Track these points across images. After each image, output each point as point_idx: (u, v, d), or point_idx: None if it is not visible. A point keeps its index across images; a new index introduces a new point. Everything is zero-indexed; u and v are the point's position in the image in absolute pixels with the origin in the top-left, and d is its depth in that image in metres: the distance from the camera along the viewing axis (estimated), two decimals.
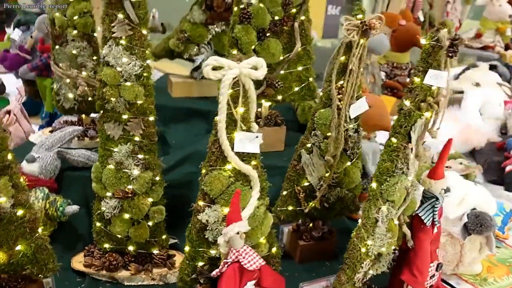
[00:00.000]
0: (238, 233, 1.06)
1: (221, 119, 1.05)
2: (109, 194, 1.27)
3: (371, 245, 1.06)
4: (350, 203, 1.42)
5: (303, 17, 1.61)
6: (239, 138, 1.09)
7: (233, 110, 1.05)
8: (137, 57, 1.18)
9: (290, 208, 1.38)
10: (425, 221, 1.12)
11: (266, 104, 1.72)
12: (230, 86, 1.02)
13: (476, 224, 1.30)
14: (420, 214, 1.12)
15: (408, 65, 3.13)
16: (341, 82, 1.26)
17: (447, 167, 2.11)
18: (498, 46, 3.93)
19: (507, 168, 2.16)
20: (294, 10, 1.59)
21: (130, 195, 1.25)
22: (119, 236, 1.31)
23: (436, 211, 1.12)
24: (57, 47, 1.56)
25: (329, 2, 5.20)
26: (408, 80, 3.17)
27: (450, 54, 0.98)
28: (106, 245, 1.33)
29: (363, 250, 1.06)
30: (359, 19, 1.23)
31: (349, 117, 1.29)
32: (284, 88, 1.67)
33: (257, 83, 1.64)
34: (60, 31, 1.52)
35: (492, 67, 3.51)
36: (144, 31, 1.19)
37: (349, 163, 1.36)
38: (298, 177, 1.36)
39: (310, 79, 1.71)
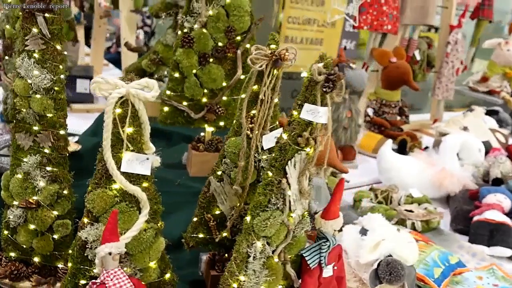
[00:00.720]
0: (110, 254, 1.04)
1: (105, 137, 1.05)
2: (15, 203, 1.29)
3: (244, 281, 1.01)
4: None
5: (248, 45, 1.61)
6: (127, 158, 1.08)
7: (120, 129, 1.06)
8: (48, 71, 1.21)
9: (200, 235, 1.36)
10: (308, 262, 1.06)
11: (208, 129, 1.71)
12: (114, 104, 1.03)
13: (385, 272, 1.23)
14: (304, 255, 1.07)
15: (398, 103, 3.08)
16: (254, 111, 1.25)
17: (409, 211, 2.03)
18: (505, 91, 3.81)
19: (474, 218, 2.05)
20: (238, 38, 1.60)
21: (34, 206, 1.26)
22: (24, 246, 1.31)
23: (324, 253, 1.07)
24: (6, 57, 1.62)
25: (344, 36, 5.23)
26: (398, 118, 3.11)
27: (325, 89, 0.95)
28: (12, 254, 1.34)
29: (235, 285, 1.02)
30: (272, 49, 1.22)
31: (262, 148, 1.27)
32: (227, 115, 1.67)
33: (199, 108, 1.65)
34: (9, 42, 1.59)
35: (493, 113, 3.39)
36: (58, 46, 1.21)
37: None
38: (209, 205, 1.34)
39: None
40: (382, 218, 1.47)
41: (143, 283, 1.14)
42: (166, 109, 1.61)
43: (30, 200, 1.26)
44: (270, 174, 1.01)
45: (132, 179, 1.10)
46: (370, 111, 3.03)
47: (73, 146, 1.77)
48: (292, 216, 1.04)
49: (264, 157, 1.29)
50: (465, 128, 2.80)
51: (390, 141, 2.54)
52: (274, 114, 1.27)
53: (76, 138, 1.91)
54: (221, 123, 1.67)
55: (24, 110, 1.22)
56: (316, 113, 0.96)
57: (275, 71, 1.23)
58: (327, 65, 0.96)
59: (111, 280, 1.02)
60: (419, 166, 2.39)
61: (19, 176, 1.27)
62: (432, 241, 1.79)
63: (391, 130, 3.09)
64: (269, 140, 1.28)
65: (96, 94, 1.03)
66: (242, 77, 1.64)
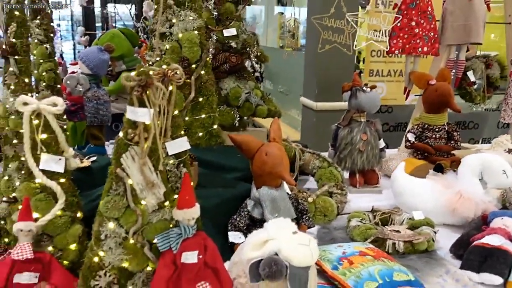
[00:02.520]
0: (22, 230, 1.36)
1: (24, 141, 1.39)
2: (4, 198, 1.70)
3: (103, 256, 1.22)
4: None
5: (202, 72, 1.85)
6: (44, 159, 1.41)
7: (36, 136, 1.39)
8: None
9: None
10: (158, 245, 1.21)
11: None
12: (28, 117, 1.37)
13: (264, 266, 1.29)
14: (155, 239, 1.22)
15: (443, 127, 2.90)
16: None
17: (396, 231, 1.97)
18: None
19: (473, 244, 1.87)
20: (193, 66, 1.85)
21: (13, 200, 1.66)
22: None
23: (172, 239, 1.21)
24: None
25: None
26: (443, 141, 2.91)
27: (135, 93, 1.13)
28: (6, 239, 1.75)
29: (96, 259, 1.22)
30: (163, 69, 1.43)
31: (167, 153, 1.47)
32: (190, 133, 1.91)
33: None
34: None
35: None
36: (26, 79, 1.63)
37: (176, 196, 1.51)
38: None
39: (214, 126, 1.90)
40: (285, 221, 1.49)
41: (61, 260, 1.42)
42: None
43: (10, 196, 1.66)
44: (111, 166, 1.22)
45: (50, 175, 1.41)
46: (410, 136, 2.91)
47: None
48: (142, 203, 1.21)
49: (171, 161, 1.49)
50: (510, 151, 2.50)
51: (402, 164, 2.43)
52: (176, 125, 1.47)
53: None
54: None
55: (6, 128, 1.65)
56: (136, 114, 1.15)
57: (170, 87, 1.44)
58: (140, 73, 1.15)
59: (15, 249, 1.33)
60: (434, 190, 2.24)
61: (5, 178, 1.69)
62: (393, 260, 1.70)
63: (436, 155, 2.90)
64: (174, 147, 1.48)
65: (18, 109, 1.38)
66: (201, 99, 1.87)
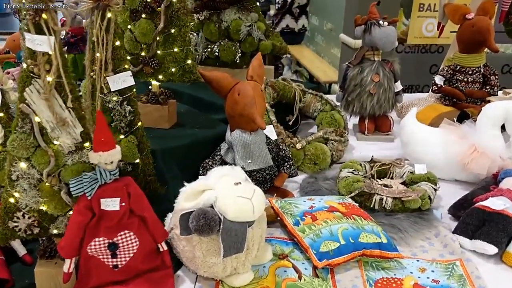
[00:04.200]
0: None
1: None
2: None
3: (18, 197, 1.14)
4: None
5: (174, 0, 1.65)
6: None
7: None
8: None
9: None
10: (71, 190, 1.11)
11: (154, 82, 1.82)
12: None
13: (194, 219, 1.16)
14: (69, 182, 1.12)
15: (478, 69, 2.51)
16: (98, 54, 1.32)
17: (388, 186, 1.76)
18: None
19: (473, 206, 1.62)
20: None
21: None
22: None
23: (85, 183, 1.10)
24: None
25: None
26: (477, 86, 2.54)
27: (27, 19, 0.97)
28: None
29: (11, 200, 1.15)
30: None
31: (109, 89, 1.33)
32: (163, 68, 1.75)
33: (136, 61, 1.78)
34: None
35: None
36: None
37: (122, 136, 1.39)
38: None
39: (188, 61, 1.73)
40: (231, 169, 1.33)
41: None
42: None
43: None
44: (18, 103, 1.10)
45: None
46: (438, 79, 2.55)
47: None
48: (54, 143, 1.10)
49: (114, 98, 1.36)
50: None
51: (414, 109, 2.14)
52: (118, 57, 1.32)
53: None
54: (160, 76, 1.75)
55: None
56: (33, 42, 1.00)
57: (109, 14, 1.28)
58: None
59: None
60: (446, 141, 1.97)
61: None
62: (367, 218, 1.51)
63: (467, 102, 2.55)
64: (115, 82, 1.34)
65: None
66: (173, 31, 1.68)
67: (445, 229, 1.61)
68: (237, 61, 2.42)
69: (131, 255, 1.19)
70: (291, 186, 1.89)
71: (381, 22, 2.21)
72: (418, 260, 1.45)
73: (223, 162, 1.73)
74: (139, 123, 1.42)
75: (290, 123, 2.23)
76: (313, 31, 5.94)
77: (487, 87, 2.52)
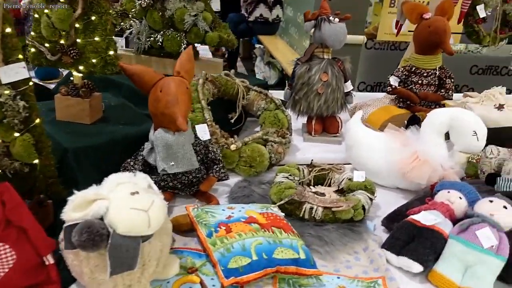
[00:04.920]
0: None
1: None
2: None
3: None
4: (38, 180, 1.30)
5: None
6: None
7: None
8: None
9: None
10: None
11: (76, 73, 1.68)
12: None
13: (77, 233, 1.04)
14: None
15: (434, 72, 2.43)
16: None
17: (321, 194, 1.66)
18: None
19: (405, 219, 1.53)
20: None
21: None
22: None
23: None
24: None
25: None
26: (432, 89, 2.45)
27: None
28: None
29: None
30: None
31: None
32: (85, 58, 1.61)
33: (54, 50, 1.63)
34: None
35: None
36: None
37: (16, 135, 1.25)
38: None
39: (110, 52, 1.59)
40: (130, 177, 1.21)
41: None
42: (32, 50, 1.65)
43: None
44: None
45: None
46: (393, 80, 2.47)
47: None
48: None
49: (6, 92, 1.22)
50: (500, 107, 2.05)
51: (360, 112, 2.05)
52: (9, 46, 1.18)
53: None
54: (80, 67, 1.61)
55: None
56: None
57: None
58: None
59: None
60: (389, 147, 1.88)
61: None
62: (289, 231, 1.41)
63: (422, 105, 2.48)
64: (6, 73, 1.20)
65: None
66: (93, 18, 1.54)
67: (375, 243, 1.52)
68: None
69: (6, 270, 1.06)
70: (222, 191, 1.78)
71: (331, 18, 2.10)
72: (339, 277, 1.36)
73: (146, 163, 1.61)
74: (37, 120, 1.28)
75: (232, 121, 2.11)
76: (287, 22, 5.81)
77: (442, 91, 2.45)
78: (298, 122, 2.35)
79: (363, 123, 2.43)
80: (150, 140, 1.59)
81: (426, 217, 1.46)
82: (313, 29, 2.17)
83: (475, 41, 2.57)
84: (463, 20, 2.57)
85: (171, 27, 2.27)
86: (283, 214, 1.52)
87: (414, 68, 2.44)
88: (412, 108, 2.45)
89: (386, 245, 1.48)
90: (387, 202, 1.78)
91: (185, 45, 2.28)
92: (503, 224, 1.37)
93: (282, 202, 1.59)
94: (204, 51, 3.51)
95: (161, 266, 1.21)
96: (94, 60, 1.60)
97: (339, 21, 2.11)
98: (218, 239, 1.30)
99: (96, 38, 1.58)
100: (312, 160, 1.91)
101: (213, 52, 7.90)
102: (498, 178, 1.61)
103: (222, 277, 1.22)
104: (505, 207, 1.39)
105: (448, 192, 1.53)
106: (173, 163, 1.56)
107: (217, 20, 2.31)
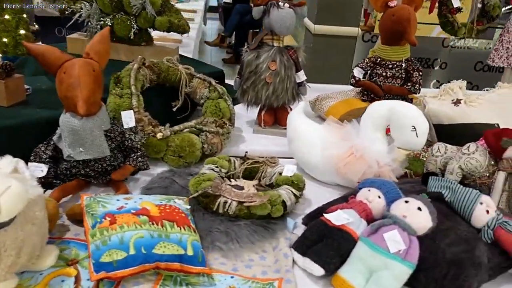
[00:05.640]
0: None
1: None
2: None
3: None
4: None
5: None
6: None
7: None
8: None
9: None
10: None
11: None
12: None
13: None
14: None
15: (400, 64, 2.29)
16: None
17: (240, 187, 1.57)
18: None
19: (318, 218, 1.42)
20: None
21: None
22: None
23: None
24: None
25: None
26: (398, 82, 2.31)
27: None
28: None
29: None
30: None
31: None
32: None
33: None
34: None
35: None
36: None
37: None
38: None
39: (21, 31, 1.53)
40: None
41: None
42: None
43: None
44: None
45: None
46: (357, 72, 2.33)
47: None
48: None
49: None
50: (457, 102, 1.89)
51: (302, 103, 1.93)
52: None
53: None
54: None
55: None
56: None
57: None
58: None
59: None
60: (328, 141, 1.76)
61: None
62: (186, 226, 1.31)
63: (386, 99, 2.33)
64: None
65: None
66: None
67: (287, 241, 1.41)
68: (131, 37, 2.21)
69: None
70: (143, 181, 1.69)
71: (281, 3, 1.99)
72: (232, 277, 1.26)
73: (57, 149, 1.54)
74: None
75: (175, 109, 2.02)
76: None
77: (409, 84, 2.30)
78: (255, 112, 2.24)
79: (322, 116, 2.32)
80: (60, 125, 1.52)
81: (339, 216, 1.34)
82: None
83: (450, 32, 2.40)
84: (436, 10, 2.40)
85: (121, 11, 2.20)
86: (189, 207, 1.43)
87: (379, 59, 2.31)
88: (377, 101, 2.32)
89: (295, 245, 1.37)
90: (322, 199, 1.66)
91: (135, 30, 2.21)
92: (416, 227, 1.25)
93: (195, 194, 1.50)
94: (190, 40, 3.39)
95: (33, 257, 1.14)
96: (5, 40, 1.54)
97: (289, 7, 1.99)
98: (99, 230, 1.22)
99: (6, 16, 1.52)
100: (246, 152, 1.81)
101: (218, 44, 7.84)
102: (431, 177, 1.48)
103: (91, 271, 1.14)
104: (419, 208, 1.26)
105: (369, 190, 1.41)
106: (81, 149, 1.49)
107: (168, 5, 2.23)
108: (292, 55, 2.08)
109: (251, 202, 1.46)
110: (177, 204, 1.40)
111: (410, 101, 2.32)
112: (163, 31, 2.25)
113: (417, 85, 2.28)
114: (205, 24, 9.92)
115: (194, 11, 4.77)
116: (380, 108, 1.65)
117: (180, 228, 1.29)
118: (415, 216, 1.25)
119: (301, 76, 2.11)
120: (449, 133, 1.86)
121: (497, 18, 2.40)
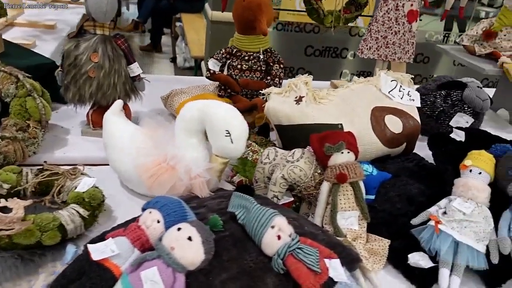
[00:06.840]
0: None
1: None
2: None
3: None
4: None
5: None
6: None
7: None
8: None
9: None
10: None
11: None
12: None
13: None
14: None
15: (257, 55, 2.06)
16: None
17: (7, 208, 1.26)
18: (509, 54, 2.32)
19: None
20: None
21: None
22: None
23: None
24: None
25: None
26: (257, 76, 2.09)
27: None
28: None
29: None
30: None
31: None
32: None
33: None
34: None
35: (450, 86, 2.12)
36: None
37: None
38: None
39: None
40: None
41: None
42: None
43: None
44: None
45: None
46: (211, 64, 2.08)
47: None
48: None
49: None
50: (298, 100, 1.68)
51: (120, 102, 1.65)
52: None
53: None
54: None
55: None
56: None
57: None
58: None
59: None
60: (140, 148, 1.49)
61: None
62: None
63: (244, 95, 2.11)
64: None
65: None
66: None
67: (52, 277, 1.14)
68: None
69: None
70: None
71: None
72: None
73: None
74: None
75: None
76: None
77: (268, 78, 2.08)
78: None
79: (174, 113, 2.06)
80: None
81: (104, 248, 1.08)
82: None
83: (316, 20, 2.21)
84: None
85: None
86: None
87: (235, 50, 2.07)
88: (234, 98, 2.09)
89: (52, 284, 1.10)
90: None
91: None
92: (184, 262, 1.01)
93: None
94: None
95: None
96: None
97: None
98: None
99: None
100: (45, 161, 1.51)
101: (132, 30, 7.40)
102: (234, 193, 1.25)
103: None
104: (189, 238, 1.02)
105: (150, 212, 1.16)
106: None
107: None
108: (121, 45, 1.78)
109: (7, 230, 1.17)
110: None
111: None
112: None
113: (277, 79, 2.07)
114: (128, 9, 9.38)
115: None
116: (191, 109, 1.41)
117: None
118: (183, 248, 1.02)
119: (135, 69, 1.83)
120: (291, 136, 1.65)
121: (366, 5, 2.22)
